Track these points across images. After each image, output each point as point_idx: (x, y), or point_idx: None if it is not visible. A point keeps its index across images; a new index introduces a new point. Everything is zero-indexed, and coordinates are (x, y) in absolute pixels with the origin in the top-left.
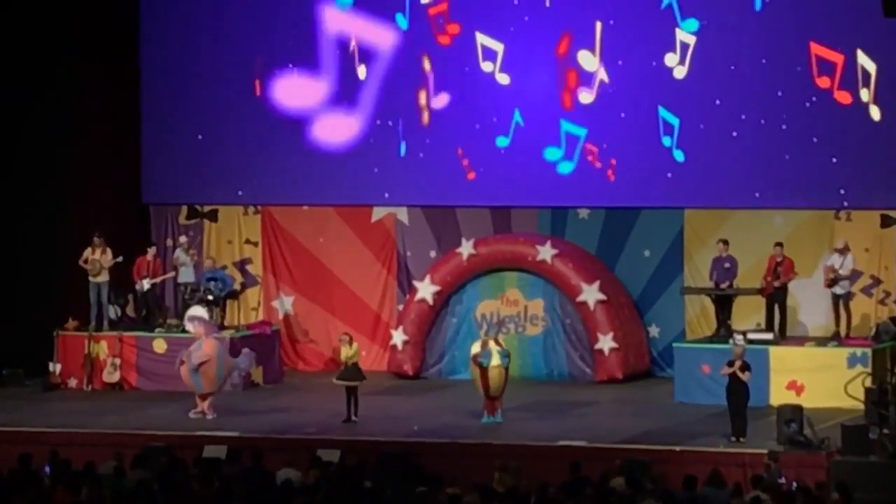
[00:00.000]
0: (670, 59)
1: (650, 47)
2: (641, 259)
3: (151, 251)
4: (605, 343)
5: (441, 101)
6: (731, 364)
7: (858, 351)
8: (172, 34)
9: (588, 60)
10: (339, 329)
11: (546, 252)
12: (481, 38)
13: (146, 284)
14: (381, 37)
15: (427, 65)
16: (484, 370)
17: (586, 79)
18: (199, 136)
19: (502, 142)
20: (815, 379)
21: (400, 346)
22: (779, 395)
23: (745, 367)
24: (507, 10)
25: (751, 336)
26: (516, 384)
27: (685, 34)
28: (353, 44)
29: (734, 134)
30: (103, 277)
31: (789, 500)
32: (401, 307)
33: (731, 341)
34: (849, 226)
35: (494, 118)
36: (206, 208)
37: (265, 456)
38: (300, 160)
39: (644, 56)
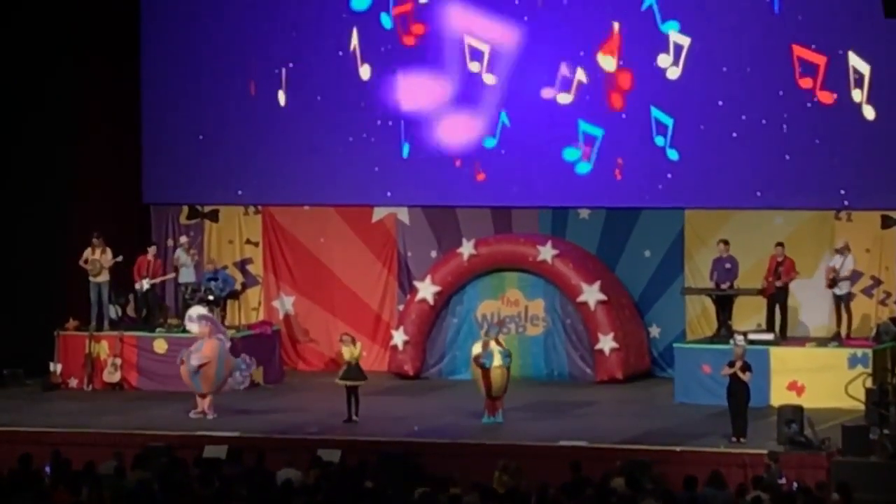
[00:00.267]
0: (663, 60)
1: (644, 47)
2: (642, 259)
3: (151, 251)
4: (606, 343)
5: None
6: (731, 364)
7: (859, 351)
8: (173, 34)
9: (607, 62)
10: (339, 329)
11: (547, 252)
12: (469, 39)
13: (146, 284)
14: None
15: None
16: (486, 371)
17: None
18: (200, 136)
19: (490, 142)
20: (815, 379)
21: (400, 347)
22: (779, 396)
23: (746, 368)
24: (505, 9)
25: (751, 336)
26: (517, 384)
27: (679, 35)
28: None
29: (734, 135)
30: (104, 277)
31: (790, 501)
32: (401, 307)
33: (731, 342)
34: (849, 226)
35: (483, 119)
36: (207, 208)
37: (265, 456)
38: (301, 159)
39: (640, 56)
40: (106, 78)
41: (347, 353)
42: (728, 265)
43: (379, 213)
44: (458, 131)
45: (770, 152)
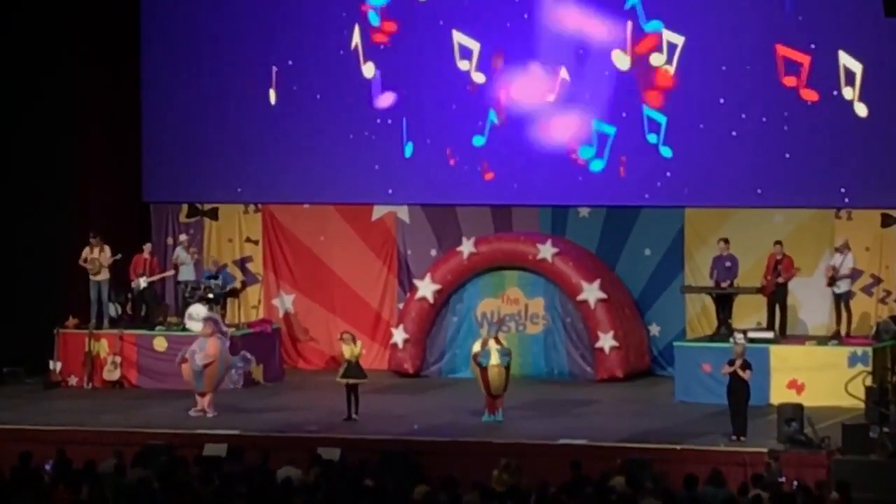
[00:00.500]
0: (656, 59)
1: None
2: (642, 258)
3: (147, 248)
4: (606, 342)
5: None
6: (731, 363)
7: (859, 350)
8: (173, 32)
9: (620, 59)
10: (339, 327)
11: (547, 251)
12: (458, 36)
13: (143, 282)
14: None
15: None
16: (484, 369)
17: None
18: (200, 135)
19: (478, 141)
20: (815, 378)
21: (400, 345)
22: (779, 394)
23: (746, 366)
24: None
25: (751, 335)
26: (517, 383)
27: (672, 34)
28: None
29: (734, 133)
30: (103, 276)
31: (790, 500)
32: (401, 305)
33: (731, 340)
34: (849, 225)
35: (472, 119)
36: (207, 206)
37: (264, 454)
38: (301, 158)
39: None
40: (106, 77)
41: (347, 351)
42: (728, 263)
43: (379, 212)
44: (454, 129)
45: (770, 151)
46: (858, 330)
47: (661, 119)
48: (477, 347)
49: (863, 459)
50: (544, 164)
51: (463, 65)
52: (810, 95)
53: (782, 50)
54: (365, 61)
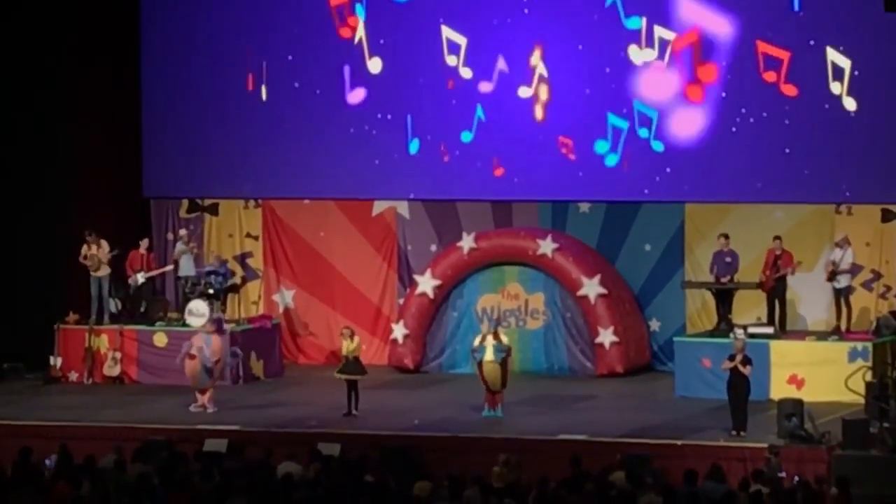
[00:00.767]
0: (648, 55)
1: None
2: (642, 253)
3: (144, 244)
4: (606, 337)
5: None
6: (731, 358)
7: (859, 345)
8: (173, 28)
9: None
10: (339, 323)
11: (547, 246)
12: (447, 32)
13: (140, 278)
14: None
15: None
16: (479, 364)
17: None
18: (200, 130)
19: (466, 137)
20: (815, 373)
21: (400, 340)
22: (779, 390)
23: (746, 361)
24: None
25: (751, 330)
26: (517, 378)
27: (664, 31)
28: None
29: (733, 129)
30: (103, 271)
31: (790, 495)
32: (401, 301)
33: (731, 335)
34: (849, 220)
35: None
36: (207, 202)
37: (265, 450)
38: (303, 153)
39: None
40: (106, 73)
41: (344, 346)
42: (728, 259)
43: (379, 207)
44: (451, 127)
45: (770, 146)
46: (858, 325)
47: (653, 114)
48: (477, 342)
49: (863, 454)
50: (545, 159)
51: (451, 60)
52: (790, 90)
53: (762, 46)
54: (371, 56)
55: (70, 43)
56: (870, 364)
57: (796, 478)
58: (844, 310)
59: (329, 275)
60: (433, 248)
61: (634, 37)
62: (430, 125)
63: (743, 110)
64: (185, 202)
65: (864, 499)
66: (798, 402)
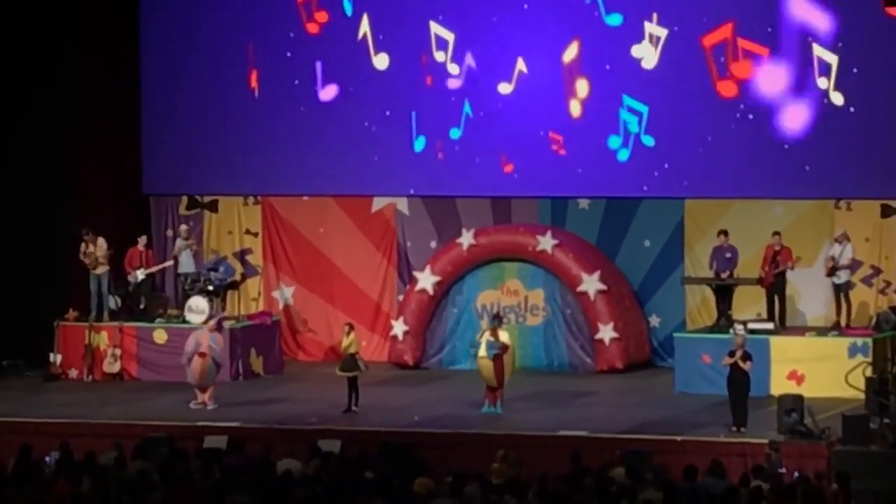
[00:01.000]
0: (639, 51)
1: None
2: (642, 249)
3: (142, 241)
4: (606, 333)
5: None
6: (732, 354)
7: (859, 341)
8: (173, 25)
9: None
10: (339, 319)
11: (546, 242)
12: (435, 27)
13: (139, 275)
14: None
15: None
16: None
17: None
18: (200, 127)
19: (455, 133)
20: (815, 369)
21: (400, 337)
22: (779, 385)
23: (747, 357)
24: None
25: (751, 326)
26: (517, 374)
27: (655, 27)
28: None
29: (732, 126)
30: (102, 269)
31: (790, 490)
32: (401, 297)
33: (731, 331)
34: (849, 215)
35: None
36: (207, 199)
37: (265, 446)
38: (304, 150)
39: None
40: (105, 69)
41: (343, 342)
42: (728, 254)
43: (378, 204)
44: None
45: (769, 142)
46: (858, 321)
47: (643, 109)
48: (477, 338)
49: (863, 450)
50: (543, 156)
51: (439, 56)
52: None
53: (742, 42)
54: (377, 53)
55: (70, 42)
56: (870, 360)
57: (796, 473)
58: (844, 305)
59: (329, 271)
60: (433, 244)
61: (633, 34)
62: (429, 123)
63: (742, 106)
64: (185, 199)
65: (864, 494)
66: (798, 398)
